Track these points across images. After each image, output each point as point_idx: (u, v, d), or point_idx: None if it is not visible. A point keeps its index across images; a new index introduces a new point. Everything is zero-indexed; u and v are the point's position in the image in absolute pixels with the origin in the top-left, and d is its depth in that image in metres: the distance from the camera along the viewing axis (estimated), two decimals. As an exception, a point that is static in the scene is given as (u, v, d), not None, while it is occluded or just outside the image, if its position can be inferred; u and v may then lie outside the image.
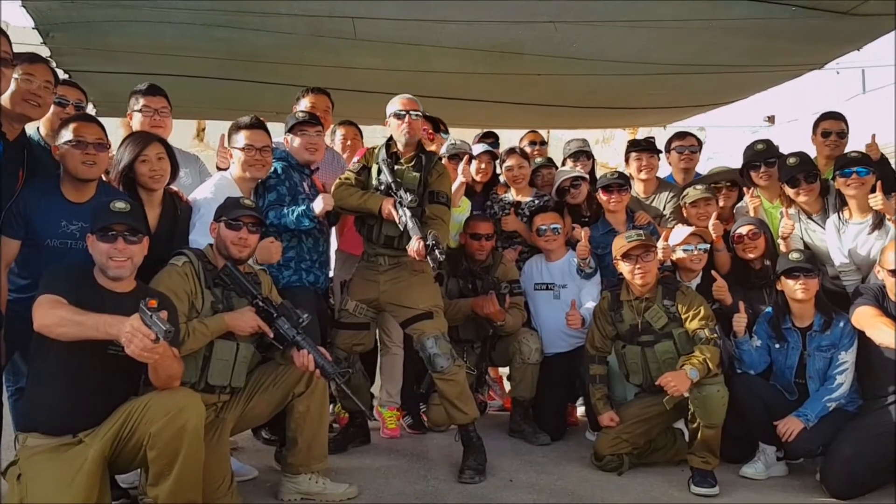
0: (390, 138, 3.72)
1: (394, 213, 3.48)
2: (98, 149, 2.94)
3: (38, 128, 3.26)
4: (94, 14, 4.07)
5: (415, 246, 3.37)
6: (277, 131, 3.90)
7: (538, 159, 4.91)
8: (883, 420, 3.33)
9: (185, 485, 2.54)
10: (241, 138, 3.46)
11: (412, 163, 3.65)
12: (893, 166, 4.13)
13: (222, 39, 4.50)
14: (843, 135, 4.17)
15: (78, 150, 2.89)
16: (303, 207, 3.48)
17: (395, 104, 3.69)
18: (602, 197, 4.31)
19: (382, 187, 3.61)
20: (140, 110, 3.53)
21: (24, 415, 2.74)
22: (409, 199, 3.47)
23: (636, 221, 4.30)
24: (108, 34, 4.36)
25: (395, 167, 3.63)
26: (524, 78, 5.13)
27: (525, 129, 6.77)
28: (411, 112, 3.63)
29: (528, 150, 5.07)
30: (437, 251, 3.31)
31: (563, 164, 4.98)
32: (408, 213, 3.45)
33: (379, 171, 3.66)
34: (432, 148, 4.30)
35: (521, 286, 4.33)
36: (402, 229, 3.49)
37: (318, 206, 3.46)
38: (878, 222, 3.66)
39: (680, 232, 3.94)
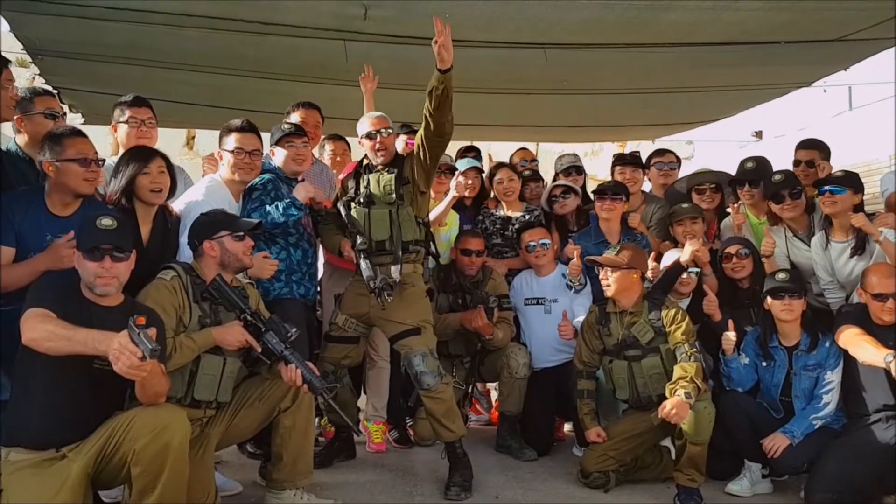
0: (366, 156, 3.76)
1: (350, 253, 3.66)
2: (98, 165, 2.97)
3: (14, 138, 3.24)
4: (82, 48, 4.18)
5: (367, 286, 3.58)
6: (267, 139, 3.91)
7: (525, 172, 4.92)
8: (867, 438, 3.34)
9: (169, 501, 2.52)
10: (232, 141, 3.46)
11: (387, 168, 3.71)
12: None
13: (211, 84, 4.65)
14: (811, 164, 4.24)
15: (83, 168, 2.89)
16: (287, 200, 3.49)
17: (364, 124, 3.72)
18: (596, 204, 4.32)
19: (354, 199, 3.68)
20: (126, 121, 3.52)
21: (6, 429, 2.69)
22: (360, 241, 3.60)
23: (630, 223, 4.31)
24: (96, 66, 4.45)
25: (370, 175, 3.68)
26: (516, 100, 5.16)
27: (513, 142, 6.82)
28: (382, 130, 3.66)
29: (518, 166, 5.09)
30: (384, 293, 3.50)
31: (555, 180, 4.99)
32: (361, 255, 3.59)
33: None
34: None
35: (510, 301, 4.33)
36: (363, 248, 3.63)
37: (300, 194, 3.51)
38: (860, 243, 3.67)
39: (672, 254, 3.95)
